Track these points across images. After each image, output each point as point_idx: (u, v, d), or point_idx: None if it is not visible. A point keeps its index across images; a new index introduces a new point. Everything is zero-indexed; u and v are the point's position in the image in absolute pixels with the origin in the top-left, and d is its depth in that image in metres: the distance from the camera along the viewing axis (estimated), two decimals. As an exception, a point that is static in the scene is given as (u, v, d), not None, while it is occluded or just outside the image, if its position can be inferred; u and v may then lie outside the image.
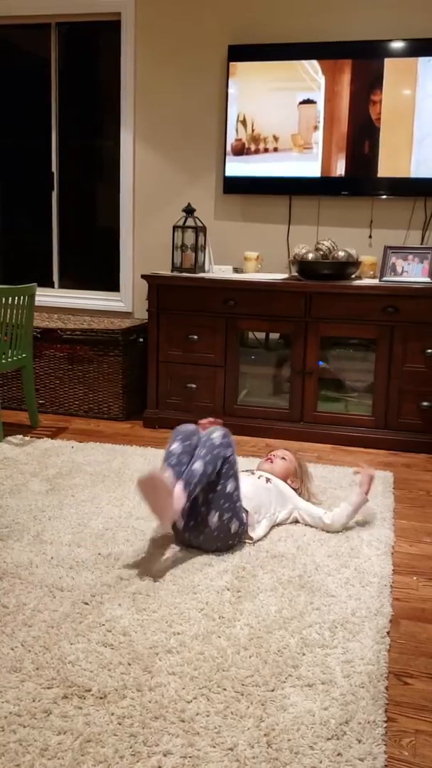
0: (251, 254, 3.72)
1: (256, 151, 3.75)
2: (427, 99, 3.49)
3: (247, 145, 3.75)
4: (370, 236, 3.74)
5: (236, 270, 3.78)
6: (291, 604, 1.91)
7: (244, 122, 3.75)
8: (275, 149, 3.72)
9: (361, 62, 3.55)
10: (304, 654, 1.70)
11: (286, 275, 3.66)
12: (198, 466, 2.11)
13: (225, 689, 1.56)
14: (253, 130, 3.74)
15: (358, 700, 1.54)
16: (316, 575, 2.07)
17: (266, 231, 3.87)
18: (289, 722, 1.47)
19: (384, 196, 3.66)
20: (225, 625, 1.80)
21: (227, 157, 3.79)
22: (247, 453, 3.24)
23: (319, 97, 3.62)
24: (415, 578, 2.12)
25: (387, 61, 3.51)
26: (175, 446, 2.24)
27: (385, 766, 1.37)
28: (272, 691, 1.56)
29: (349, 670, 1.64)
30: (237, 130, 3.77)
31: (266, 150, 3.74)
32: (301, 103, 3.65)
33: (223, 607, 1.88)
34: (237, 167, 3.78)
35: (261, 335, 3.76)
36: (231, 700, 1.52)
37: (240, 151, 3.77)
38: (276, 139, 3.72)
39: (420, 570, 2.17)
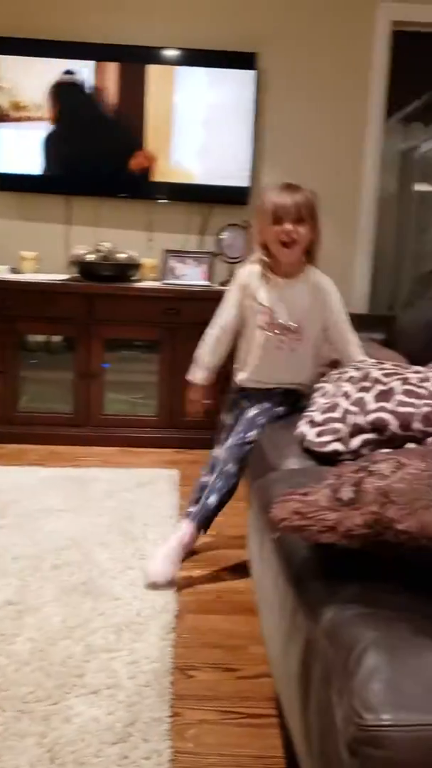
0: (29, 254, 3.60)
1: (18, 119, 3.60)
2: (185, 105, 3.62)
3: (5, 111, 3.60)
4: (150, 239, 3.80)
5: (14, 270, 3.64)
6: (76, 611, 1.87)
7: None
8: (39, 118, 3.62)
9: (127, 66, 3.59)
10: (88, 661, 1.67)
11: (66, 276, 3.59)
12: (213, 500, 2.11)
13: (5, 710, 1.48)
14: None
15: (143, 699, 1.55)
16: (101, 580, 2.04)
17: (44, 230, 3.76)
18: (74, 733, 1.43)
19: (163, 200, 3.73)
20: (5, 642, 1.72)
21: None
22: (31, 462, 3.13)
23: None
24: (198, 572, 2.18)
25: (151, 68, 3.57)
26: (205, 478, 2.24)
27: (171, 760, 1.39)
28: (56, 704, 1.52)
29: (135, 670, 1.64)
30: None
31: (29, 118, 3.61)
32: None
33: (3, 624, 1.79)
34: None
35: (43, 338, 3.65)
36: (11, 721, 1.45)
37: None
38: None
39: (203, 563, 2.24)
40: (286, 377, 2.22)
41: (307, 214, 2.07)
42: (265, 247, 2.14)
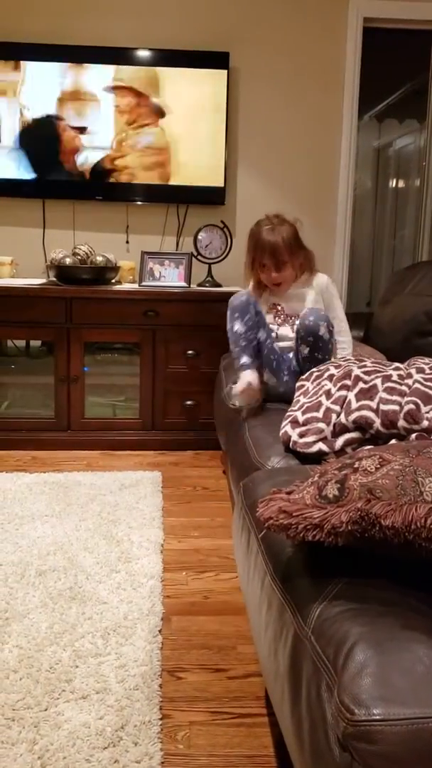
0: (5, 259, 3.57)
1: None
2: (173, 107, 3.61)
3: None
4: (128, 241, 3.78)
5: (-9, 276, 3.61)
6: (62, 617, 1.86)
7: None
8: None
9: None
10: (77, 666, 1.66)
11: (44, 280, 3.57)
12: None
13: (-6, 718, 1.47)
14: None
15: (133, 703, 1.54)
16: (88, 584, 2.04)
17: (20, 235, 3.74)
18: (64, 739, 1.42)
19: (139, 202, 3.72)
20: (-8, 650, 1.70)
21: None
22: (13, 468, 3.11)
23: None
24: (184, 573, 2.18)
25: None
26: (238, 326, 2.20)
27: (162, 762, 1.39)
28: (45, 710, 1.51)
29: (123, 674, 1.64)
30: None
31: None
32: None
33: (-10, 631, 1.78)
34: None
35: (21, 343, 3.63)
36: (1, 729, 1.44)
37: None
38: None
39: (189, 564, 2.24)
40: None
41: (287, 254, 2.23)
42: (259, 281, 2.33)
